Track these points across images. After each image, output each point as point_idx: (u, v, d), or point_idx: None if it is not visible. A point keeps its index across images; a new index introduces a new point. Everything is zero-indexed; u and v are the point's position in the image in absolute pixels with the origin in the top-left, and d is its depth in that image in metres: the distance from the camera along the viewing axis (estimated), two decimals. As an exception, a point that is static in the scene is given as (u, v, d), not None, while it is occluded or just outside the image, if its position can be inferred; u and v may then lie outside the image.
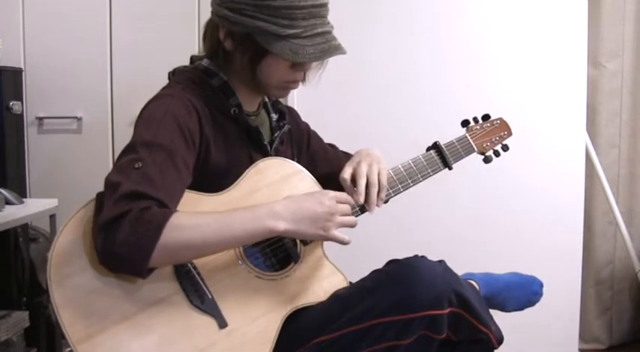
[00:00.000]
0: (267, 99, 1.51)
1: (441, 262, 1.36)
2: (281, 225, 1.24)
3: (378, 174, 1.43)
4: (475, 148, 1.66)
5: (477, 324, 1.33)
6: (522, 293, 1.60)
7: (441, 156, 1.58)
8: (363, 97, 2.44)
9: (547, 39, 2.42)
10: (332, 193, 1.34)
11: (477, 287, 1.51)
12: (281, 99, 1.55)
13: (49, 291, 1.14)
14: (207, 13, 1.40)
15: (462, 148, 1.62)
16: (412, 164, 1.53)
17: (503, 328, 1.40)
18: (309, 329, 1.30)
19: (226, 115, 1.37)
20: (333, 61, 1.38)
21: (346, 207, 1.34)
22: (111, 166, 1.21)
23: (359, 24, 2.39)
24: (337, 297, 1.36)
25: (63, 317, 1.13)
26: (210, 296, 1.24)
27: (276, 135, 1.48)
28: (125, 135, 1.30)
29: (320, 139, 1.65)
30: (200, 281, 1.24)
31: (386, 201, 1.48)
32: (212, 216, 1.22)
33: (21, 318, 2.27)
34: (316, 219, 1.28)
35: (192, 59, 1.46)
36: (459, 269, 1.41)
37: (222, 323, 1.23)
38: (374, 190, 1.40)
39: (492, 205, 2.45)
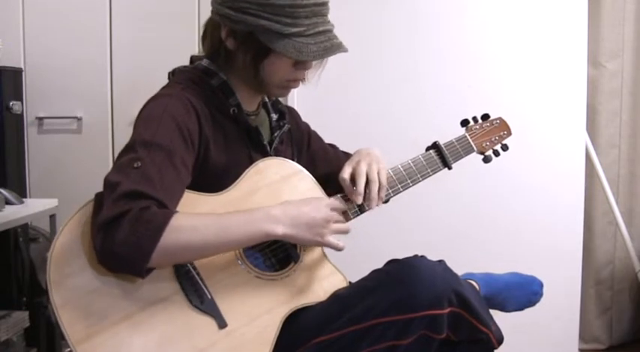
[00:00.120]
0: (266, 99, 1.51)
1: (441, 262, 1.36)
2: (279, 229, 1.25)
3: (378, 173, 1.43)
4: (474, 148, 1.65)
5: (476, 324, 1.33)
6: (522, 293, 1.60)
7: (441, 155, 1.58)
8: (363, 97, 2.44)
9: (547, 39, 2.42)
10: (327, 200, 1.36)
11: (477, 287, 1.51)
12: (281, 99, 1.55)
13: (49, 291, 1.14)
14: (207, 13, 1.40)
15: (461, 148, 1.62)
16: (412, 164, 1.53)
17: (503, 328, 1.40)
18: (308, 329, 1.30)
19: (226, 115, 1.37)
20: (332, 61, 1.38)
21: (339, 215, 1.37)
22: (111, 166, 1.21)
23: (359, 24, 2.39)
24: (337, 297, 1.36)
25: (62, 317, 1.13)
26: (209, 297, 1.24)
27: (275, 134, 1.48)
28: (125, 135, 1.30)
29: (320, 139, 1.65)
30: (200, 282, 1.24)
31: (385, 201, 1.48)
32: (212, 218, 1.23)
33: (21, 318, 2.27)
34: (314, 224, 1.29)
35: (192, 59, 1.46)
36: (459, 269, 1.41)
37: (222, 324, 1.23)
38: (374, 186, 1.41)
39: (492, 205, 2.45)
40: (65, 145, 2.83)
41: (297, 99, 2.30)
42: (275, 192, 1.37)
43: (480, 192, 2.43)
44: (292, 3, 1.27)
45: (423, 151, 1.58)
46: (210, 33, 1.40)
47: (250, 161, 1.39)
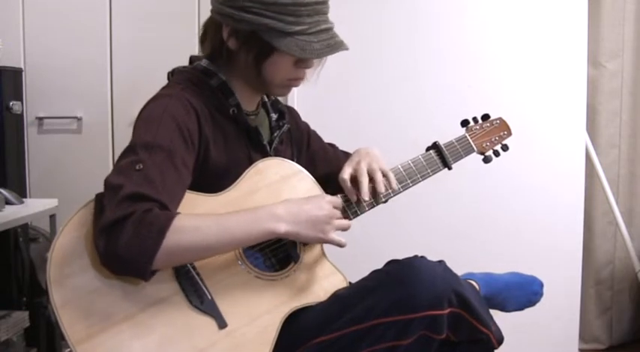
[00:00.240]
0: (266, 99, 1.51)
1: (441, 262, 1.36)
2: (282, 227, 1.25)
3: (381, 170, 1.43)
4: (475, 148, 1.65)
5: (477, 324, 1.33)
6: (522, 293, 1.60)
7: (441, 156, 1.58)
8: (363, 97, 2.44)
9: (547, 39, 2.42)
10: (328, 197, 1.36)
11: (477, 287, 1.51)
12: (281, 99, 1.55)
13: (49, 291, 1.14)
14: (207, 13, 1.39)
15: (461, 148, 1.62)
16: (411, 164, 1.53)
17: (503, 328, 1.40)
18: (308, 329, 1.30)
19: (225, 115, 1.37)
20: (332, 61, 1.38)
21: (340, 212, 1.37)
22: (111, 166, 1.22)
23: (359, 23, 2.39)
24: (337, 297, 1.36)
25: (62, 317, 1.13)
26: (209, 297, 1.24)
27: (275, 134, 1.48)
28: (125, 135, 1.30)
29: (320, 139, 1.65)
30: (199, 282, 1.24)
31: (385, 201, 1.48)
32: (213, 219, 1.23)
33: (21, 318, 2.27)
34: (316, 222, 1.29)
35: (192, 59, 1.46)
36: (459, 270, 1.41)
37: (222, 324, 1.23)
38: (378, 175, 1.42)
39: (492, 205, 2.45)
40: (65, 145, 2.83)
41: (297, 98, 2.30)
42: (275, 192, 1.37)
43: (479, 192, 2.43)
44: (295, 1, 1.27)
45: (423, 151, 1.58)
46: (211, 33, 1.39)
47: (250, 161, 1.39)
